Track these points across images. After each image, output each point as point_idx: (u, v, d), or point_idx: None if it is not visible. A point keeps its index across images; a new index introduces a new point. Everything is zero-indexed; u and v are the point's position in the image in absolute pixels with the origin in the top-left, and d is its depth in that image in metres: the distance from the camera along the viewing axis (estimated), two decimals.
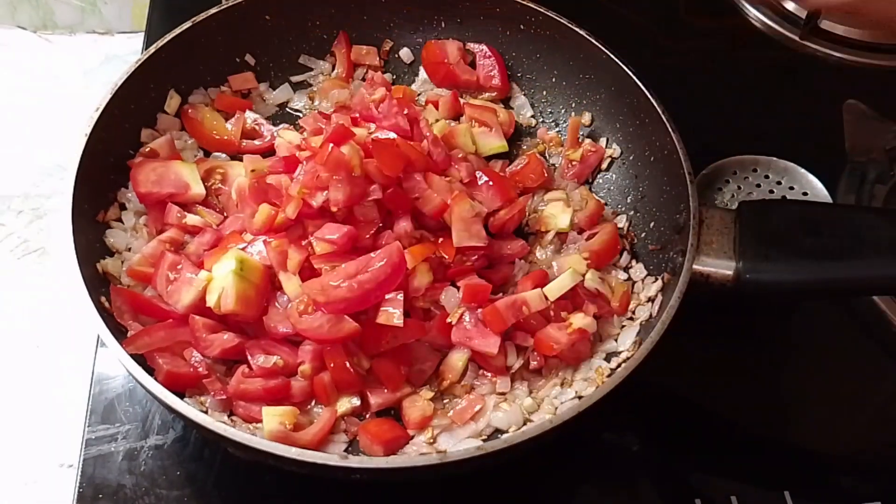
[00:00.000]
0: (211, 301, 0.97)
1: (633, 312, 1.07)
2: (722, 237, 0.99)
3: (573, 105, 1.27)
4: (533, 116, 1.29)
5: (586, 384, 1.01)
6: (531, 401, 1.01)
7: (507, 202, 1.13)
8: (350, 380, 0.97)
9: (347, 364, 0.97)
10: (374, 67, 1.30)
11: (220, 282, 0.97)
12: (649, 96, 1.11)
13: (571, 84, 1.26)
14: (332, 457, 0.83)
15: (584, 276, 1.07)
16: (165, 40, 1.14)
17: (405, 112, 1.14)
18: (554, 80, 1.28)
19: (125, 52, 1.53)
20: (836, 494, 1.06)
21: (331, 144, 1.00)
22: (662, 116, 1.09)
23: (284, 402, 0.97)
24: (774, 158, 1.27)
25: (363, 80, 1.28)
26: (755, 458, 1.07)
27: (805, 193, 1.24)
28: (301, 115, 1.26)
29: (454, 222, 1.04)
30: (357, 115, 1.16)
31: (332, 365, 0.97)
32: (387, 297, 0.97)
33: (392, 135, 1.07)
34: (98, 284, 0.99)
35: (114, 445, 1.02)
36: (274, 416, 0.93)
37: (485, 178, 1.13)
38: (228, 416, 0.96)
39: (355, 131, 1.07)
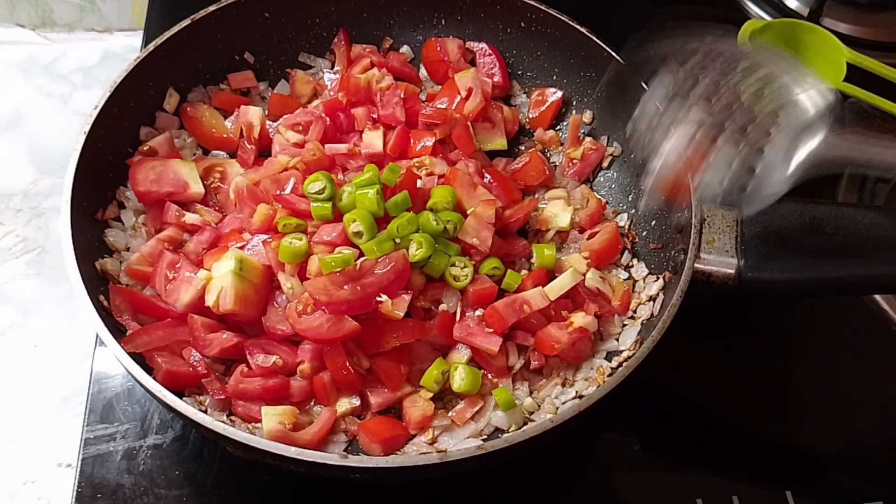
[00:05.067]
0: (210, 300, 0.97)
1: (635, 311, 1.07)
2: (723, 236, 0.99)
3: (574, 103, 1.26)
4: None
5: (587, 383, 1.01)
6: (532, 400, 1.00)
7: (510, 202, 1.13)
8: (350, 380, 0.97)
9: (347, 364, 0.96)
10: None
11: (220, 281, 0.97)
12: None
13: (572, 82, 1.25)
14: (332, 456, 0.83)
15: (584, 275, 1.07)
16: (164, 38, 1.13)
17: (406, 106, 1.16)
18: (555, 77, 1.27)
19: (124, 50, 1.53)
20: (837, 494, 1.06)
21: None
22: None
23: (284, 401, 0.96)
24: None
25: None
26: (756, 457, 1.06)
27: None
28: None
29: (470, 218, 1.04)
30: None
31: (331, 365, 0.97)
32: None
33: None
34: (97, 283, 0.98)
35: (112, 445, 1.01)
36: (273, 416, 0.93)
37: (489, 178, 1.13)
38: (227, 416, 0.96)
39: (335, 147, 1.13)
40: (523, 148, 1.26)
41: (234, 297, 0.96)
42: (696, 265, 0.97)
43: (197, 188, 1.11)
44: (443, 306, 1.02)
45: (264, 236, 1.03)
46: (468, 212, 1.06)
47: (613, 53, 1.16)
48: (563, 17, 1.20)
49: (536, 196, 1.19)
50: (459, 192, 1.07)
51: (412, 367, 1.00)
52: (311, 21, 1.28)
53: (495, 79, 1.26)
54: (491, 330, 1.00)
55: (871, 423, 1.13)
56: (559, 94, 1.26)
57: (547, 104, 1.26)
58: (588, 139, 1.22)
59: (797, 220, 0.97)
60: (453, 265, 1.02)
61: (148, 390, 0.86)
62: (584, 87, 1.24)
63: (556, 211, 1.15)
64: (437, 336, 1.01)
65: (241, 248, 1.02)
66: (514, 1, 1.23)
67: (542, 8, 1.22)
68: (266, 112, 1.22)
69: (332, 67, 1.29)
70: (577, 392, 1.01)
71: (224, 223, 1.08)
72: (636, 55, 1.02)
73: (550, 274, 1.08)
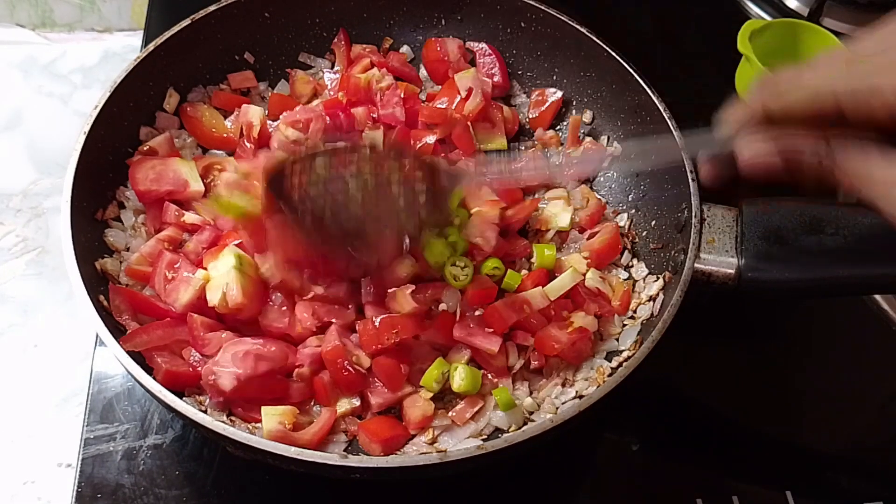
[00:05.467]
0: (214, 299, 0.96)
1: (635, 311, 1.07)
2: (724, 235, 0.99)
3: (574, 103, 1.26)
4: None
5: (587, 384, 1.01)
6: (532, 400, 1.00)
7: (512, 202, 1.13)
8: (350, 380, 0.97)
9: (347, 364, 0.96)
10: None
11: (222, 279, 0.97)
12: (651, 94, 1.11)
13: (572, 82, 1.25)
14: (332, 456, 0.83)
15: (584, 275, 1.07)
16: (164, 38, 1.13)
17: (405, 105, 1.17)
18: (554, 77, 1.27)
19: (124, 50, 1.53)
20: (837, 494, 1.05)
21: None
22: (664, 114, 1.08)
23: (283, 401, 0.96)
24: None
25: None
26: (756, 457, 1.06)
27: None
28: None
29: (474, 217, 1.05)
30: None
31: (331, 365, 0.97)
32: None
33: None
34: (97, 283, 0.98)
35: (112, 445, 1.01)
36: (273, 416, 0.92)
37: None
38: (227, 416, 0.96)
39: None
40: (523, 148, 1.26)
41: (241, 291, 0.96)
42: (696, 265, 0.97)
43: (197, 186, 1.10)
44: (442, 306, 1.02)
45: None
46: (472, 211, 1.06)
47: (613, 53, 1.16)
48: (562, 17, 1.20)
49: (537, 196, 1.18)
50: (464, 192, 1.06)
51: (412, 367, 1.00)
52: (311, 21, 1.28)
53: (495, 79, 1.26)
54: (491, 330, 1.00)
55: (871, 424, 1.13)
56: (559, 94, 1.26)
57: (547, 104, 1.26)
58: (588, 139, 1.22)
59: (797, 220, 0.97)
60: (454, 265, 1.02)
61: (148, 390, 0.86)
62: (584, 87, 1.24)
63: (556, 211, 1.15)
64: (436, 336, 1.01)
65: (238, 245, 1.02)
66: (514, 1, 1.23)
67: (542, 8, 1.22)
68: (266, 112, 1.22)
69: (332, 67, 1.29)
70: (577, 392, 1.01)
71: (223, 221, 1.08)
72: None
73: (550, 274, 1.08)
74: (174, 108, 1.19)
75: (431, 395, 0.99)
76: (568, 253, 1.12)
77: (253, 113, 1.18)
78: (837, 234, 0.95)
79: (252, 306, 0.98)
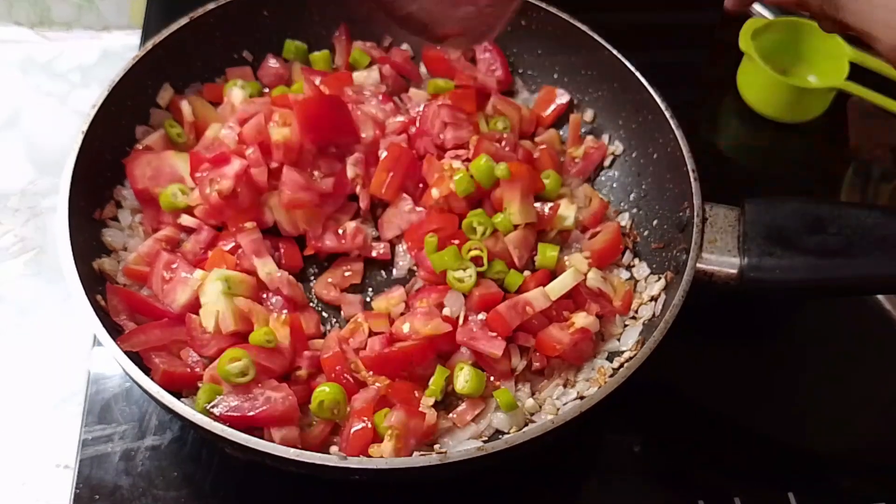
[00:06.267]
0: (209, 326, 0.95)
1: (636, 311, 1.06)
2: (726, 235, 0.98)
3: (575, 102, 1.26)
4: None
5: (588, 384, 1.00)
6: (533, 401, 1.00)
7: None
8: (348, 389, 0.95)
9: (345, 373, 0.95)
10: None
11: (213, 306, 0.96)
12: (652, 93, 1.10)
13: (573, 80, 1.25)
14: (332, 457, 0.82)
15: (585, 275, 1.06)
16: (162, 37, 1.13)
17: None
18: (556, 76, 1.26)
19: (123, 49, 1.52)
20: (840, 495, 1.05)
21: None
22: (665, 113, 1.08)
23: None
24: None
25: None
26: (759, 458, 1.06)
27: None
28: None
29: (518, 232, 1.05)
30: None
31: (329, 374, 0.96)
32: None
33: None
34: (94, 283, 0.98)
35: (110, 446, 1.01)
36: None
37: None
38: None
39: None
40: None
41: (233, 317, 0.95)
42: (697, 265, 0.96)
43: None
44: (446, 311, 1.01)
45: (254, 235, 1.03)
46: (521, 224, 1.06)
47: (614, 52, 1.15)
48: (563, 16, 1.20)
49: (557, 202, 1.15)
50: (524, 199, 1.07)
51: (414, 374, 0.99)
52: (311, 19, 1.27)
53: (497, 74, 1.25)
54: (494, 334, 0.99)
55: (874, 425, 1.12)
56: (567, 97, 1.24)
57: (553, 106, 1.24)
58: (589, 138, 1.22)
59: (800, 220, 0.97)
60: (456, 270, 1.01)
61: (146, 391, 0.86)
62: (586, 85, 1.23)
63: (561, 211, 1.14)
64: (440, 342, 1.00)
65: (232, 249, 1.02)
66: None
67: (543, 6, 1.21)
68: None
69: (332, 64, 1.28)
70: (578, 393, 1.00)
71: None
72: None
73: (552, 274, 1.07)
74: (167, 102, 1.18)
75: (434, 400, 0.98)
76: (569, 253, 1.12)
77: (235, 95, 1.16)
78: (840, 234, 0.95)
79: (249, 326, 0.97)
